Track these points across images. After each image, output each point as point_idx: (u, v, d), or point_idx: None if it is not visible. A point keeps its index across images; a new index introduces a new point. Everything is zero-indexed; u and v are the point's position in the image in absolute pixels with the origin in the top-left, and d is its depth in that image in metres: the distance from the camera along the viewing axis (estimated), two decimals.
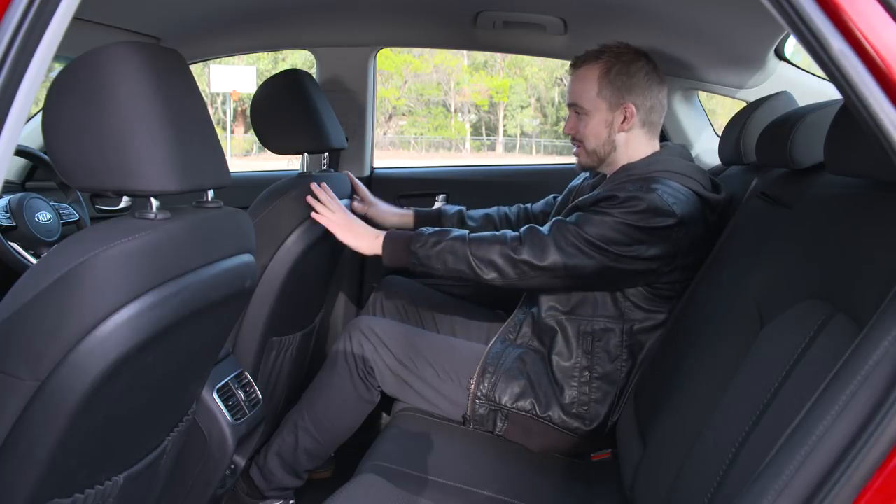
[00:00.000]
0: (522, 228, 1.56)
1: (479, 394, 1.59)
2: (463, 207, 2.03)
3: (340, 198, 1.83)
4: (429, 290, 1.99)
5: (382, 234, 1.63)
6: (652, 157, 1.64)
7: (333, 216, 1.62)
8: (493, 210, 2.02)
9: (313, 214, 1.61)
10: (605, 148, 1.67)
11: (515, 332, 1.70)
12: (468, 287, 2.01)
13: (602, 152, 1.68)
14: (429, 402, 1.65)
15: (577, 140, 1.70)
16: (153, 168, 0.90)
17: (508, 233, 1.56)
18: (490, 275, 1.54)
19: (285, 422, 1.72)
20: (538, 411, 1.57)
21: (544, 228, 1.54)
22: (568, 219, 1.54)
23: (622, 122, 1.64)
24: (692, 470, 1.01)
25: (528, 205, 2.05)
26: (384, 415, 2.04)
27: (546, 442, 1.58)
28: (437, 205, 2.50)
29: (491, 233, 1.58)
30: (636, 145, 1.66)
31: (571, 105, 1.69)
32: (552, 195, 2.04)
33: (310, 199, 1.62)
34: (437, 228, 1.61)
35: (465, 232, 1.58)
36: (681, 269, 1.55)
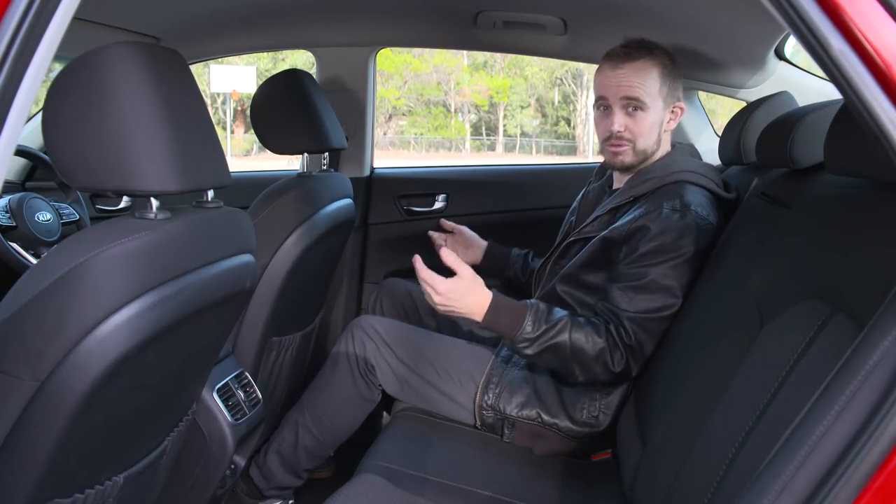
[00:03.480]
0: (616, 333, 1.48)
1: (484, 404, 1.59)
2: (529, 251, 2.01)
3: (340, 198, 1.83)
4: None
5: (489, 296, 1.49)
6: (667, 160, 1.62)
7: (437, 298, 1.46)
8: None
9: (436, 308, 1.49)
10: (652, 147, 1.61)
11: None
12: None
13: (650, 152, 1.61)
14: (430, 402, 1.65)
15: (624, 139, 1.60)
16: (153, 168, 0.90)
17: (609, 340, 1.48)
18: (584, 377, 1.51)
19: (286, 420, 1.72)
20: (544, 419, 1.56)
21: (625, 328, 1.47)
22: (629, 305, 1.48)
23: (669, 122, 1.62)
24: (692, 470, 1.01)
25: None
26: (385, 414, 2.04)
27: (552, 447, 1.58)
28: (437, 205, 2.50)
29: (591, 335, 1.48)
30: (666, 142, 1.65)
31: (628, 99, 1.57)
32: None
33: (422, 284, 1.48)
34: (543, 308, 1.50)
35: (567, 331, 1.47)
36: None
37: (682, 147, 1.69)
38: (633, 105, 1.58)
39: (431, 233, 2.00)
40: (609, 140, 1.62)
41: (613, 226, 1.56)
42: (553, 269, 1.72)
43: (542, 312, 1.49)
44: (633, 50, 1.58)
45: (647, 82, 1.57)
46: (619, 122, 1.59)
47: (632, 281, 1.50)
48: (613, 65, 1.59)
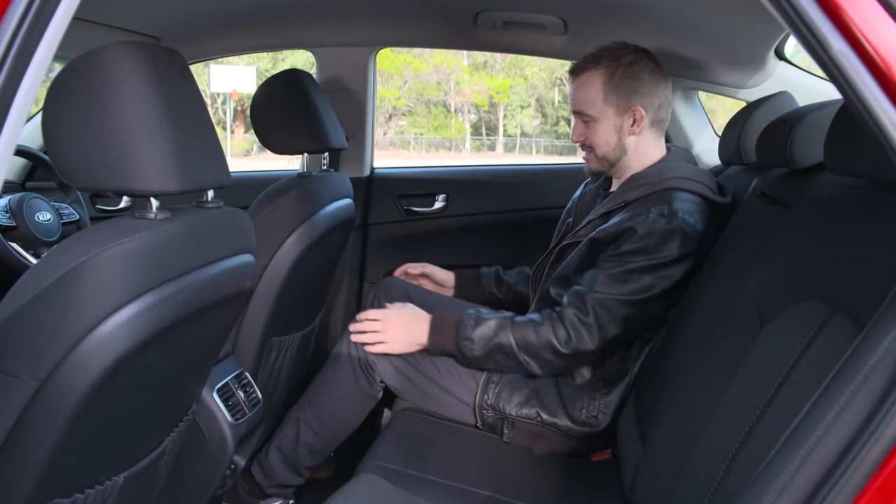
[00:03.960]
0: (567, 315, 1.51)
1: (484, 404, 1.59)
2: (499, 268, 2.02)
3: (340, 198, 1.83)
4: (425, 291, 1.99)
5: (427, 322, 1.61)
6: (661, 165, 1.63)
7: (377, 336, 1.62)
8: (525, 266, 2.01)
9: (370, 349, 1.63)
10: (615, 153, 1.64)
11: None
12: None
13: (613, 157, 1.65)
14: (431, 399, 1.65)
15: (586, 146, 1.67)
16: (153, 168, 0.90)
17: (556, 326, 1.52)
18: (543, 370, 1.55)
19: (287, 417, 1.72)
20: (543, 418, 1.57)
21: (584, 308, 1.50)
22: (600, 285, 1.50)
23: (632, 126, 1.62)
24: (692, 470, 1.01)
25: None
26: (386, 411, 2.04)
27: (552, 446, 1.58)
28: (437, 205, 2.50)
29: (534, 323, 1.54)
30: (646, 148, 1.65)
31: (577, 113, 1.66)
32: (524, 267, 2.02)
33: (353, 336, 1.64)
34: (482, 315, 1.58)
35: (510, 321, 1.55)
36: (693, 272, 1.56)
37: (678, 152, 1.69)
38: (583, 118, 1.65)
39: (407, 268, 2.01)
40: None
41: (601, 227, 1.58)
42: (549, 272, 1.73)
43: (480, 313, 1.59)
44: (582, 63, 1.65)
45: (589, 95, 1.63)
46: (576, 133, 1.68)
47: (607, 270, 1.52)
48: (570, 80, 1.69)
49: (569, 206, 1.87)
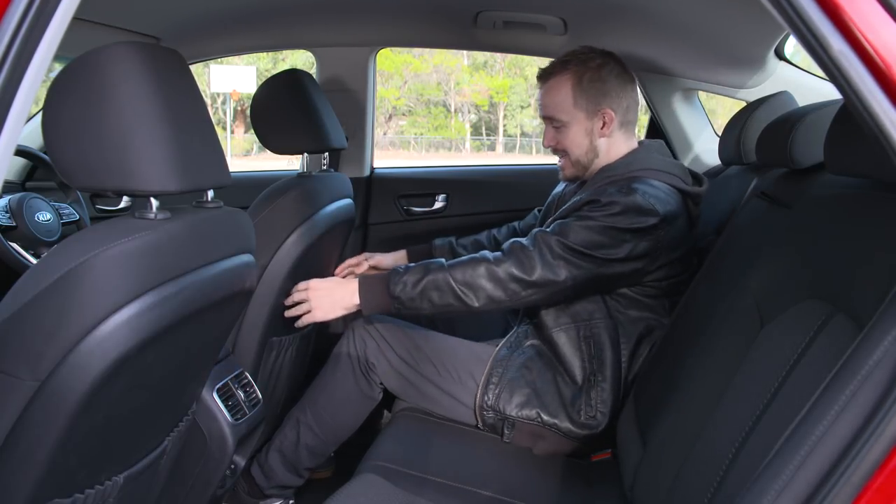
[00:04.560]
0: (505, 245, 1.53)
1: (485, 404, 1.59)
2: (453, 238, 2.02)
3: (340, 198, 1.83)
4: None
5: (355, 282, 1.56)
6: (630, 157, 1.64)
7: (302, 307, 1.59)
8: (482, 235, 2.02)
9: (298, 322, 1.59)
10: (588, 156, 1.67)
11: (519, 342, 1.69)
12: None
13: (586, 160, 1.67)
14: (431, 400, 1.65)
15: (559, 151, 1.69)
16: (153, 168, 0.90)
17: (488, 253, 1.51)
18: (480, 301, 1.48)
19: (287, 418, 1.72)
20: (544, 419, 1.57)
21: (527, 241, 1.51)
22: (549, 228, 1.51)
23: (602, 128, 1.64)
24: (692, 470, 1.01)
25: (517, 223, 2.05)
26: (385, 412, 2.04)
27: (552, 447, 1.58)
28: (437, 205, 2.50)
29: (469, 255, 1.53)
30: (617, 148, 1.67)
31: (547, 118, 1.68)
32: (537, 208, 2.02)
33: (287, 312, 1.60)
34: (413, 264, 1.54)
35: (443, 260, 1.54)
36: (666, 267, 1.55)
37: (649, 145, 1.70)
38: (553, 123, 1.66)
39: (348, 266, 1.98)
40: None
41: (564, 207, 1.59)
42: None
43: (410, 266, 1.55)
44: (549, 69, 1.66)
45: (559, 99, 1.64)
46: (548, 138, 1.70)
47: (558, 219, 1.53)
48: (538, 86, 1.69)
49: (549, 200, 1.89)
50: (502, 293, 1.48)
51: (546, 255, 1.47)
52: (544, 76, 1.67)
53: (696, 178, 1.65)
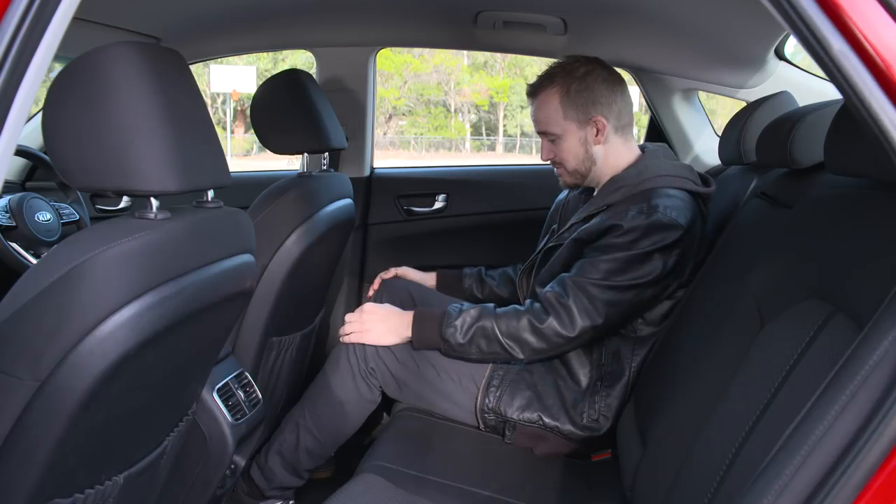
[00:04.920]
0: (541, 292, 1.53)
1: (486, 407, 1.59)
2: (482, 268, 2.04)
3: (340, 198, 1.83)
4: (428, 290, 1.99)
5: (410, 315, 1.61)
6: (639, 165, 1.63)
7: (354, 326, 1.63)
8: (510, 267, 2.02)
9: (345, 339, 1.64)
10: (585, 164, 1.67)
11: None
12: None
13: (584, 169, 1.67)
14: (430, 404, 1.65)
15: (556, 163, 1.70)
16: (153, 168, 0.90)
17: (536, 307, 1.53)
18: (525, 354, 1.54)
19: (286, 421, 1.72)
20: (545, 422, 1.57)
21: (560, 289, 1.51)
22: (578, 272, 1.51)
23: (596, 136, 1.64)
24: (692, 470, 1.01)
25: (510, 269, 2.05)
26: (385, 415, 2.04)
27: (553, 448, 1.58)
28: (437, 205, 2.50)
29: (515, 308, 1.55)
30: (616, 153, 1.66)
31: (542, 133, 1.68)
32: (511, 266, 2.02)
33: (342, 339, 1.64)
34: (464, 307, 1.58)
35: (492, 308, 1.56)
36: (690, 271, 1.57)
37: (654, 150, 1.69)
38: (548, 137, 1.67)
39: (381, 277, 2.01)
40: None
41: (582, 227, 1.59)
42: (536, 273, 1.74)
43: (462, 305, 1.60)
44: (536, 84, 1.67)
45: (549, 113, 1.65)
46: (545, 151, 1.71)
47: (587, 258, 1.54)
48: (529, 102, 1.70)
49: (553, 208, 1.89)
50: (546, 345, 1.53)
51: (584, 303, 1.49)
52: (533, 92, 1.68)
53: (702, 178, 1.66)
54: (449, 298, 1.96)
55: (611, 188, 1.62)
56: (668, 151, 1.72)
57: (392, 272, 2.00)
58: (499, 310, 1.57)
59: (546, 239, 1.83)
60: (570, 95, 1.62)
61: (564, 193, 1.88)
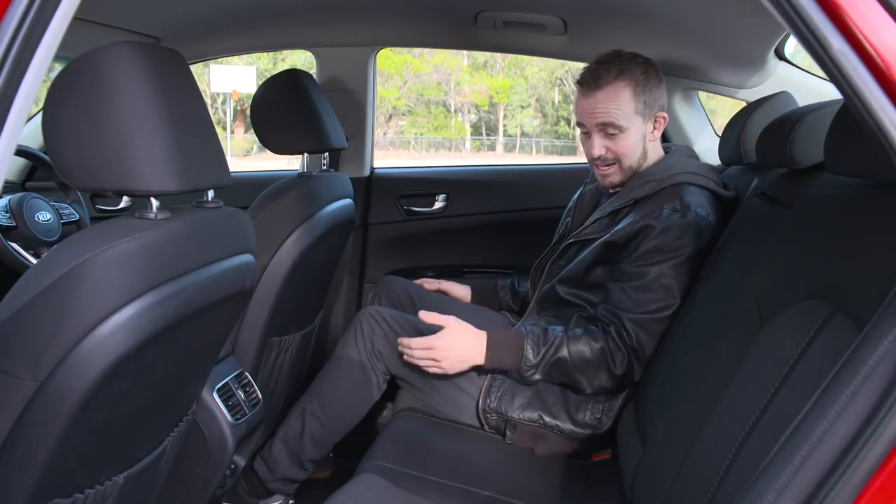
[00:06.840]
0: (614, 336, 1.51)
1: (487, 407, 1.59)
2: (514, 279, 2.03)
3: (340, 198, 1.83)
4: (425, 292, 1.99)
5: (483, 337, 1.56)
6: (667, 162, 1.64)
7: (430, 362, 1.55)
8: None
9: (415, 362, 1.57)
10: (640, 161, 1.64)
11: None
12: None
13: (637, 166, 1.64)
14: (435, 392, 1.65)
15: (609, 160, 1.63)
16: (153, 168, 0.90)
17: (609, 346, 1.51)
18: (592, 388, 1.54)
19: (293, 409, 1.72)
20: (546, 421, 1.57)
21: (616, 334, 1.50)
22: (632, 307, 1.50)
23: (652, 132, 1.63)
24: (692, 469, 1.01)
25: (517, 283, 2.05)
26: (384, 413, 2.04)
27: (554, 447, 1.58)
28: (437, 205, 2.50)
29: (589, 343, 1.51)
30: (656, 150, 1.67)
31: (604, 125, 1.60)
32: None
33: (406, 358, 1.57)
34: (539, 330, 1.54)
35: (566, 345, 1.52)
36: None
37: (680, 149, 1.70)
38: (609, 130, 1.61)
39: (424, 282, 2.00)
40: (594, 162, 1.66)
41: (615, 229, 1.57)
42: (551, 269, 1.73)
43: (539, 336, 1.54)
44: (603, 74, 1.59)
45: (621, 105, 1.59)
46: (599, 146, 1.63)
47: (632, 280, 1.51)
48: (585, 93, 1.62)
49: (570, 205, 1.88)
50: (611, 386, 1.54)
51: (643, 339, 1.50)
52: (598, 82, 1.59)
53: (723, 183, 1.65)
54: (449, 300, 1.96)
55: (637, 182, 1.61)
56: (691, 151, 1.73)
57: (435, 285, 1.98)
58: (570, 334, 1.54)
59: (562, 234, 1.82)
60: (644, 87, 1.60)
61: (580, 190, 1.87)
